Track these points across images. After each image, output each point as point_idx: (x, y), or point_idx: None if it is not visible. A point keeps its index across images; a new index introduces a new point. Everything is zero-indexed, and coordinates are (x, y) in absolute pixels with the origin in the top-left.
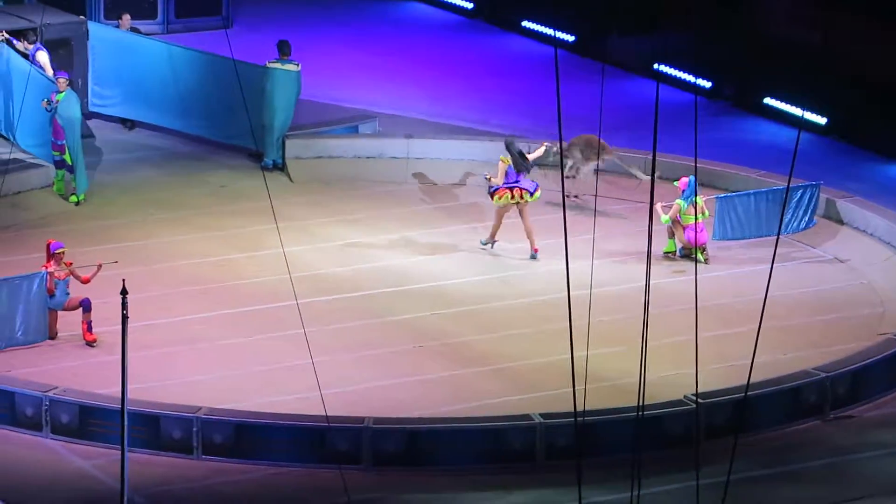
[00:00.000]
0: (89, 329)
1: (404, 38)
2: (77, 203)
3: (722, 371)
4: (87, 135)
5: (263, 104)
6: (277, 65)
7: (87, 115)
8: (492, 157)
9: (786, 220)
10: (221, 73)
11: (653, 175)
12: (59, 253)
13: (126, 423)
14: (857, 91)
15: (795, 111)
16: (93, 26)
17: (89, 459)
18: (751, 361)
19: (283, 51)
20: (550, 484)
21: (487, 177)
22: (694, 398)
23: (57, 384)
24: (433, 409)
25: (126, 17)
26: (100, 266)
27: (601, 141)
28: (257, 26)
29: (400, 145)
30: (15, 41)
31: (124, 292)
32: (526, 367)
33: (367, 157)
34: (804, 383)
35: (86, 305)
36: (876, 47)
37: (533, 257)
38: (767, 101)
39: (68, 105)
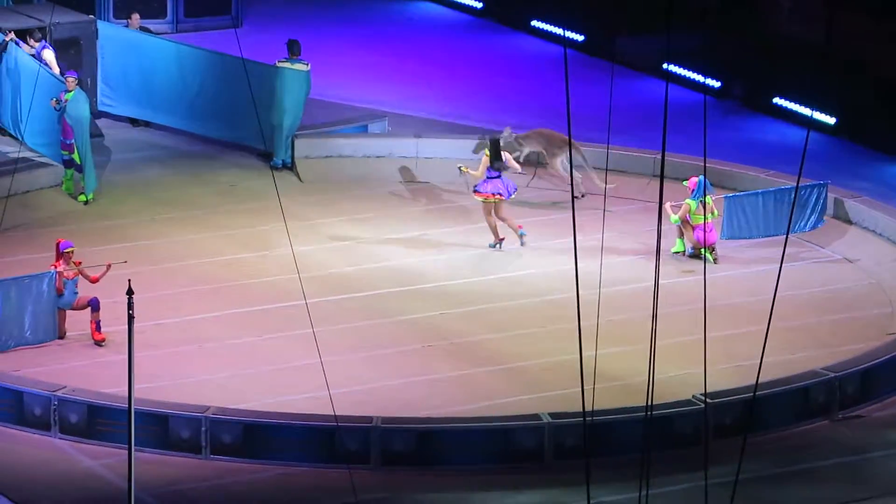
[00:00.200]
0: (98, 328)
1: (413, 38)
2: (86, 202)
3: (731, 371)
4: (96, 134)
5: (273, 104)
6: (287, 64)
7: (96, 114)
8: None
9: (794, 219)
10: (231, 73)
11: (661, 174)
12: (67, 252)
13: (133, 422)
14: (866, 91)
15: (804, 111)
16: (102, 25)
17: (98, 459)
18: (759, 361)
19: (293, 50)
20: (559, 483)
21: (463, 169)
22: (703, 398)
23: (65, 384)
24: (442, 409)
25: (135, 17)
26: (109, 266)
27: (564, 136)
28: (267, 26)
29: (409, 145)
30: (22, 43)
31: (130, 292)
32: (535, 367)
33: (377, 157)
34: (813, 383)
35: (94, 305)
36: (885, 47)
37: (521, 236)
38: (777, 100)
39: (77, 104)
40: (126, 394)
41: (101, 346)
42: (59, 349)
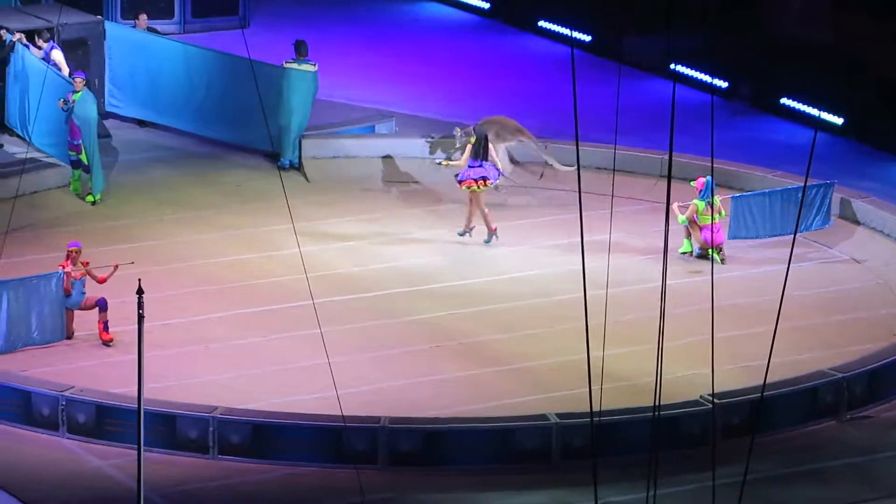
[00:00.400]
0: (105, 328)
1: (421, 38)
2: (93, 203)
3: (738, 371)
4: (103, 135)
5: (280, 104)
6: (294, 65)
7: (104, 115)
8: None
9: (800, 219)
10: (238, 74)
11: (669, 175)
12: (73, 251)
13: (142, 422)
14: (873, 91)
15: (812, 111)
16: (110, 26)
17: (106, 459)
18: (767, 361)
19: (300, 51)
20: (566, 484)
21: (444, 163)
22: (710, 398)
23: (73, 384)
24: (449, 409)
25: (143, 17)
26: (116, 267)
27: (517, 124)
28: (274, 26)
29: (416, 145)
30: (31, 46)
31: (140, 292)
32: (542, 367)
33: (384, 157)
34: (820, 383)
35: (102, 305)
36: (886, 47)
37: (492, 236)
38: (784, 101)
39: (84, 105)
40: (134, 393)
41: (108, 346)
42: (67, 349)
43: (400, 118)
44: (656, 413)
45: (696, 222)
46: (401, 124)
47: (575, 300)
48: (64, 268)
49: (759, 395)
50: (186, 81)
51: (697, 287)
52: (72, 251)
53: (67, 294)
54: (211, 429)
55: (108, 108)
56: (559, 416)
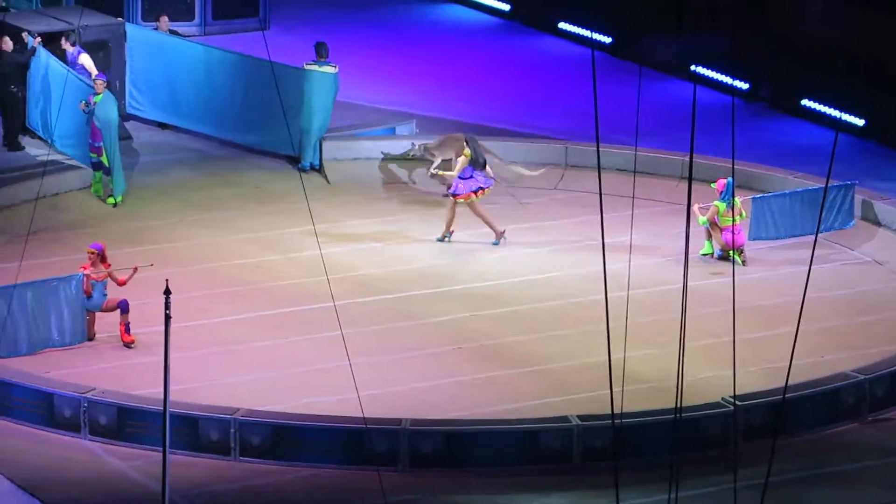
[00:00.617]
0: (127, 330)
1: (441, 40)
2: (114, 205)
3: (760, 373)
4: (124, 137)
5: (301, 106)
6: (315, 67)
7: (125, 116)
8: (528, 158)
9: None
10: (259, 76)
11: (689, 177)
12: (93, 253)
13: (168, 422)
14: (895, 93)
15: (833, 112)
16: (130, 28)
17: (127, 461)
18: (789, 363)
19: (321, 53)
20: (588, 486)
21: (440, 173)
22: (732, 400)
23: (95, 385)
24: (470, 411)
25: (164, 19)
26: (135, 269)
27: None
28: (294, 28)
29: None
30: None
31: (167, 292)
32: (563, 369)
33: (405, 159)
34: (842, 385)
35: (124, 307)
36: None
37: (502, 237)
38: (805, 102)
39: (105, 107)
40: (156, 395)
41: (130, 347)
42: (88, 351)
43: (420, 120)
44: (678, 415)
45: (716, 224)
46: (421, 126)
47: (596, 302)
48: (84, 270)
49: (781, 396)
50: (207, 84)
51: (719, 288)
52: (91, 253)
53: (88, 296)
54: (232, 430)
55: (129, 111)
56: (581, 417)
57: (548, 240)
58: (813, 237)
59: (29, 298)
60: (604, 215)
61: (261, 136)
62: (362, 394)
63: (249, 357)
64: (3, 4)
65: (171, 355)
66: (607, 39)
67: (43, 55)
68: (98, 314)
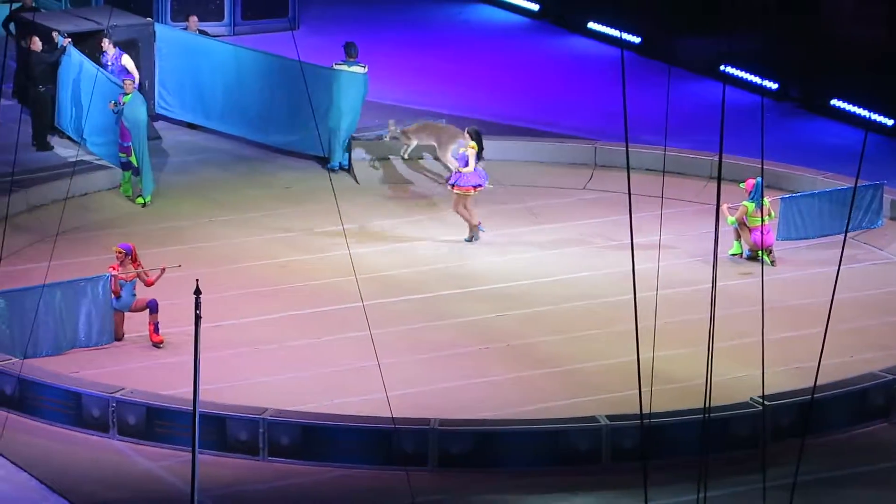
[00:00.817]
0: (156, 330)
1: (470, 40)
2: (143, 205)
3: (788, 373)
4: (153, 137)
5: (330, 106)
6: (344, 67)
7: (154, 117)
8: (556, 158)
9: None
10: (288, 76)
11: (719, 177)
12: (120, 252)
13: (197, 422)
14: None
15: (862, 112)
16: (160, 28)
17: (156, 461)
18: (817, 363)
19: (350, 53)
20: (616, 486)
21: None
22: (760, 400)
23: (124, 385)
24: (499, 411)
25: (193, 19)
26: (163, 269)
27: (455, 128)
28: (324, 28)
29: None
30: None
31: (197, 292)
32: (592, 369)
33: (434, 159)
34: (871, 385)
35: (153, 307)
36: None
37: (479, 231)
38: (834, 102)
39: (134, 107)
40: (184, 395)
41: (159, 347)
42: (117, 351)
43: (450, 120)
44: (706, 415)
45: (745, 224)
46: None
47: (624, 302)
48: (114, 270)
49: (810, 396)
50: (236, 84)
51: (747, 289)
52: (119, 252)
53: (117, 296)
54: (261, 430)
55: (158, 111)
56: (609, 417)
57: (576, 240)
58: (841, 237)
59: (57, 298)
60: (632, 215)
61: (290, 136)
62: (391, 394)
63: (278, 357)
64: (34, 4)
65: (200, 355)
66: (636, 39)
67: (73, 55)
68: (127, 314)
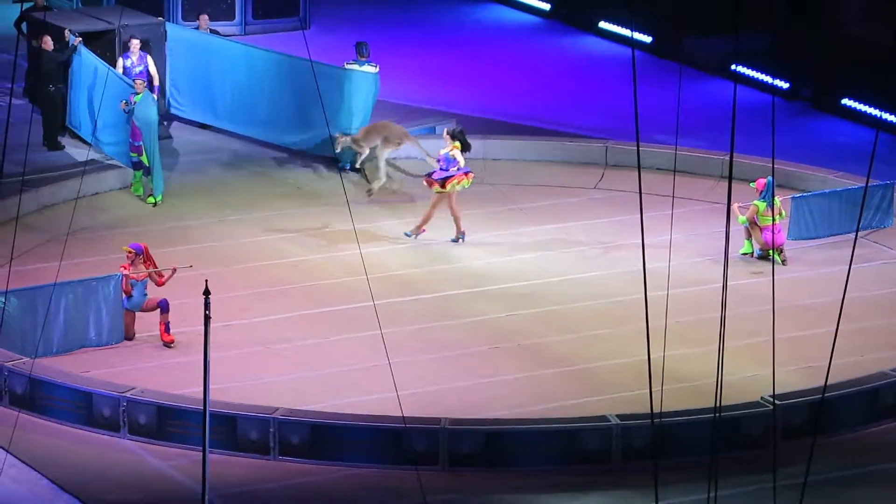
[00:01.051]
0: (167, 330)
1: (481, 39)
2: (154, 204)
3: (799, 372)
4: (164, 136)
5: (341, 106)
6: (355, 66)
7: (168, 116)
8: (568, 157)
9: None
10: (299, 75)
11: (730, 176)
12: (130, 252)
13: (208, 422)
14: None
15: (873, 112)
16: (171, 28)
17: (167, 460)
18: (828, 362)
19: (362, 52)
20: (627, 485)
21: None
22: (771, 399)
23: (134, 385)
24: (509, 410)
25: (204, 18)
26: (174, 270)
27: (404, 129)
28: (335, 27)
29: (476, 146)
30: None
31: (207, 293)
32: (602, 369)
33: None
34: (882, 385)
35: (164, 306)
36: None
37: (455, 241)
38: (845, 101)
39: (145, 107)
40: (195, 395)
41: (170, 347)
42: (127, 350)
43: (460, 119)
44: (717, 414)
45: (756, 223)
46: (461, 125)
47: (635, 301)
48: (126, 269)
49: (821, 396)
50: (247, 83)
51: (758, 288)
52: (130, 252)
53: (129, 295)
54: (271, 430)
55: (171, 110)
56: (620, 417)
57: (586, 239)
58: (852, 236)
59: (68, 297)
60: (643, 214)
61: (300, 135)
62: (401, 393)
63: (288, 357)
64: (46, 3)
65: (211, 354)
66: (648, 39)
67: (84, 54)
68: (138, 314)
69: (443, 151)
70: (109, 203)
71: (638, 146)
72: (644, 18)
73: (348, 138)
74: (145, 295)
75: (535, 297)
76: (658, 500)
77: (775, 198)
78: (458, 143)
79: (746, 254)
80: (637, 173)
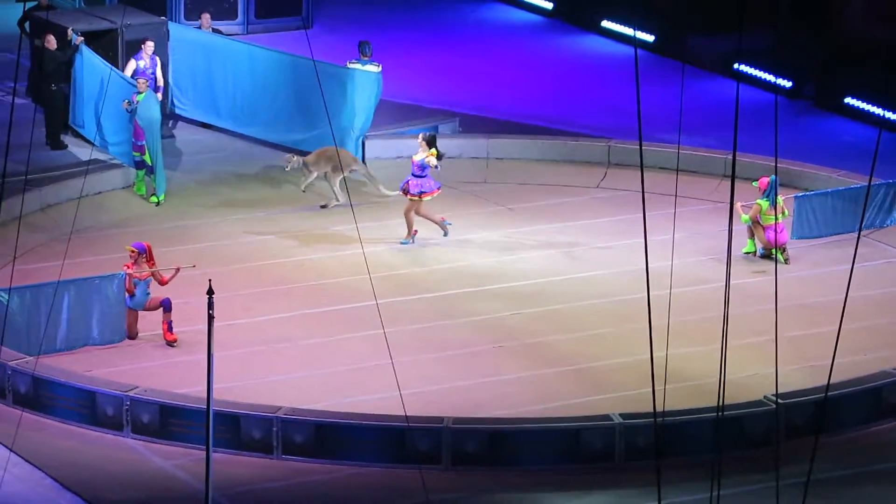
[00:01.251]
0: (170, 329)
1: (483, 39)
2: (157, 204)
3: (802, 371)
4: (167, 136)
5: (344, 105)
6: (358, 65)
7: (172, 116)
8: (570, 156)
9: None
10: (302, 74)
11: (733, 175)
12: (133, 251)
13: (211, 421)
14: None
15: (876, 111)
16: (173, 27)
17: (170, 459)
18: (831, 362)
19: (364, 51)
20: (630, 484)
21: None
22: (774, 398)
23: (138, 384)
24: (512, 409)
25: (207, 17)
26: (178, 269)
27: (351, 154)
28: (337, 27)
29: (480, 145)
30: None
31: (210, 292)
32: (605, 368)
33: (447, 158)
34: (885, 384)
35: (166, 305)
36: None
37: (446, 227)
38: (848, 100)
39: (148, 106)
40: (198, 394)
41: (172, 346)
42: (130, 350)
43: (463, 118)
44: (720, 413)
45: (759, 222)
46: (464, 124)
47: (638, 300)
48: (128, 268)
49: (824, 395)
50: (249, 82)
51: (761, 287)
52: (133, 251)
53: (131, 295)
54: (275, 429)
55: (174, 110)
56: (623, 416)
57: (589, 238)
58: (855, 235)
59: (71, 296)
60: (646, 213)
61: (303, 135)
62: (404, 392)
63: (292, 356)
64: (50, 3)
65: (215, 354)
66: (650, 38)
67: (87, 53)
68: (141, 313)
69: (417, 158)
70: (112, 202)
71: (640, 145)
72: (646, 17)
73: (299, 159)
74: (148, 294)
75: (537, 296)
76: (661, 499)
77: (778, 197)
78: (434, 151)
79: (749, 253)
80: (640, 172)
